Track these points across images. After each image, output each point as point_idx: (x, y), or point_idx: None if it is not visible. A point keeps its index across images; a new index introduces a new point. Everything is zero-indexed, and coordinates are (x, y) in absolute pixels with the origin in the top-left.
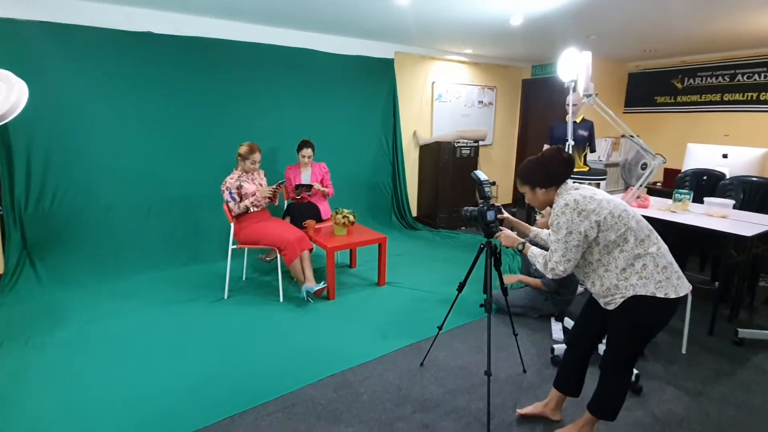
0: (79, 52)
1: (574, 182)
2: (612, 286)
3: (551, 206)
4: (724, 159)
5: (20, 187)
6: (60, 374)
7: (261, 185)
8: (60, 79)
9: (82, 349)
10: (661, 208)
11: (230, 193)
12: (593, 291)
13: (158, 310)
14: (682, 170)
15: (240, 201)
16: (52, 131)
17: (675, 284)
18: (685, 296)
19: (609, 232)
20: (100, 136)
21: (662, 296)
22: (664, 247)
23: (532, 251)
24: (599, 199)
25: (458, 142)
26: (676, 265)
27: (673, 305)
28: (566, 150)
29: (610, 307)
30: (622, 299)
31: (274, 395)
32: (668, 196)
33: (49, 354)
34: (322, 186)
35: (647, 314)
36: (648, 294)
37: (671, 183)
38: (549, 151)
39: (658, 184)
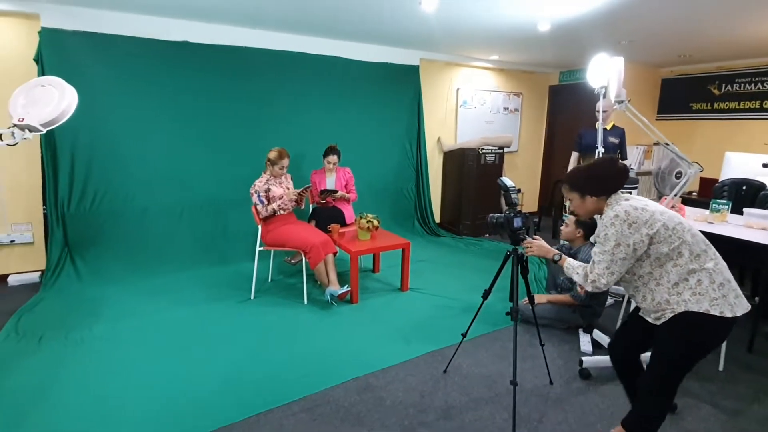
0: (120, 61)
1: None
2: (663, 300)
3: (598, 215)
4: (765, 168)
5: (64, 189)
6: (96, 367)
7: (288, 189)
8: (102, 86)
9: (117, 344)
10: (697, 218)
11: (258, 196)
12: (643, 306)
13: (188, 309)
14: (720, 179)
15: (268, 204)
16: (94, 136)
17: (732, 303)
18: (743, 317)
19: (662, 245)
20: (137, 141)
21: (717, 314)
22: (722, 264)
23: (569, 263)
24: (652, 210)
25: (483, 149)
26: (734, 283)
27: (729, 325)
28: (597, 157)
29: (660, 322)
30: (672, 314)
31: (298, 395)
32: (704, 206)
33: (86, 347)
34: (346, 191)
35: (699, 332)
36: (701, 311)
37: (707, 193)
38: (602, 160)
39: (694, 193)
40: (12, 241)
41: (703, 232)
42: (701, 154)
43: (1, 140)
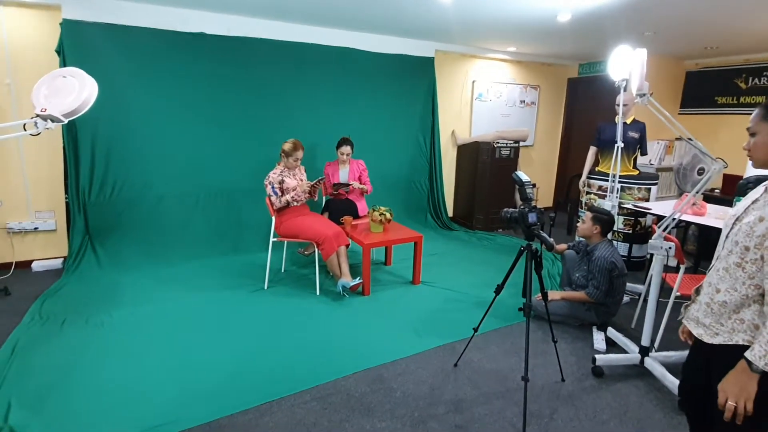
0: (138, 52)
1: (622, 184)
2: None
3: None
4: None
5: (85, 178)
6: (114, 351)
7: (301, 180)
8: (121, 77)
9: (135, 329)
10: (719, 216)
11: (272, 187)
12: None
13: (203, 296)
14: (745, 176)
15: (281, 195)
16: (113, 126)
17: None
18: None
19: None
20: (155, 131)
21: None
22: None
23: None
24: None
25: (498, 143)
26: None
27: None
28: (616, 151)
29: None
30: None
31: (310, 384)
32: (727, 203)
33: (106, 331)
34: (360, 183)
35: None
36: None
37: (731, 190)
38: None
39: (717, 191)
40: (36, 228)
41: None
42: (726, 150)
43: (25, 130)
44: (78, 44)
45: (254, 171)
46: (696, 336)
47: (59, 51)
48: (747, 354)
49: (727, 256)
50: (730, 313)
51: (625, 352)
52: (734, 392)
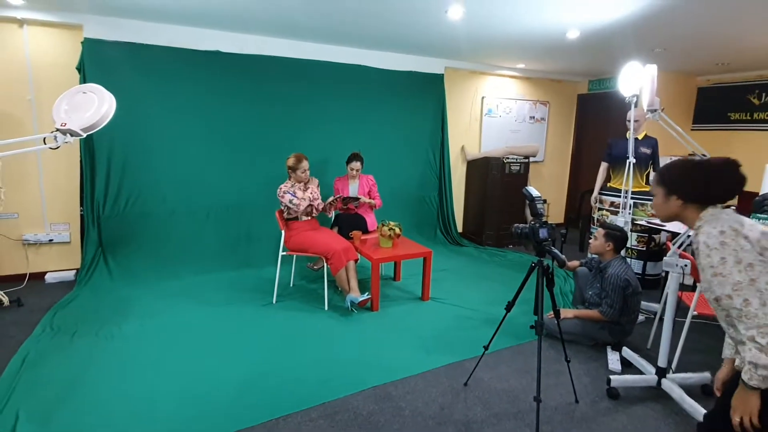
0: (155, 70)
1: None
2: None
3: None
4: None
5: (100, 191)
6: (123, 364)
7: (315, 191)
8: (137, 93)
9: (144, 342)
10: None
11: (291, 194)
12: None
13: (212, 310)
14: (761, 192)
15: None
16: (128, 141)
17: None
18: None
19: None
20: (168, 146)
21: None
22: None
23: (753, 361)
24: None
25: (508, 158)
26: None
27: None
28: (628, 167)
29: None
30: None
31: (317, 401)
32: None
33: (115, 344)
34: (370, 198)
35: None
36: None
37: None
38: (720, 160)
39: (732, 207)
40: (51, 240)
41: None
42: None
43: (45, 143)
44: (98, 62)
45: (264, 186)
46: None
47: (80, 68)
48: (742, 374)
49: None
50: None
51: (641, 373)
52: (739, 408)
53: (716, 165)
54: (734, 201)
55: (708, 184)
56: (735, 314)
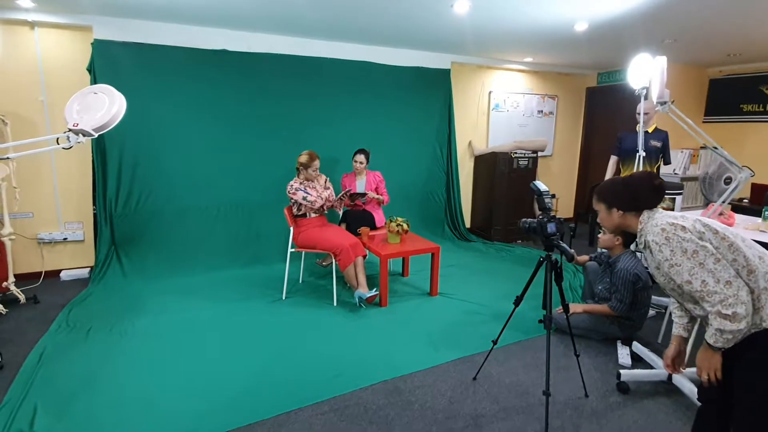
0: (164, 69)
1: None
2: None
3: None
4: None
5: (112, 190)
6: (137, 360)
7: (325, 190)
8: (147, 93)
9: (157, 338)
10: (748, 227)
11: (304, 190)
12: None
13: (222, 307)
14: None
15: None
16: (139, 140)
17: None
18: None
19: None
20: (178, 145)
21: None
22: None
23: (713, 334)
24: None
25: (515, 153)
26: None
27: None
28: (638, 161)
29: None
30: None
31: (327, 396)
32: (756, 213)
33: (129, 340)
34: (377, 194)
35: None
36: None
37: (760, 199)
38: (640, 174)
39: (745, 200)
40: (65, 239)
41: (754, 241)
42: (752, 159)
43: (58, 144)
44: (108, 62)
45: (274, 183)
46: None
47: (90, 69)
48: (707, 338)
49: None
50: None
51: (651, 367)
52: (705, 366)
53: (638, 179)
54: (747, 194)
55: (636, 195)
56: (698, 296)
